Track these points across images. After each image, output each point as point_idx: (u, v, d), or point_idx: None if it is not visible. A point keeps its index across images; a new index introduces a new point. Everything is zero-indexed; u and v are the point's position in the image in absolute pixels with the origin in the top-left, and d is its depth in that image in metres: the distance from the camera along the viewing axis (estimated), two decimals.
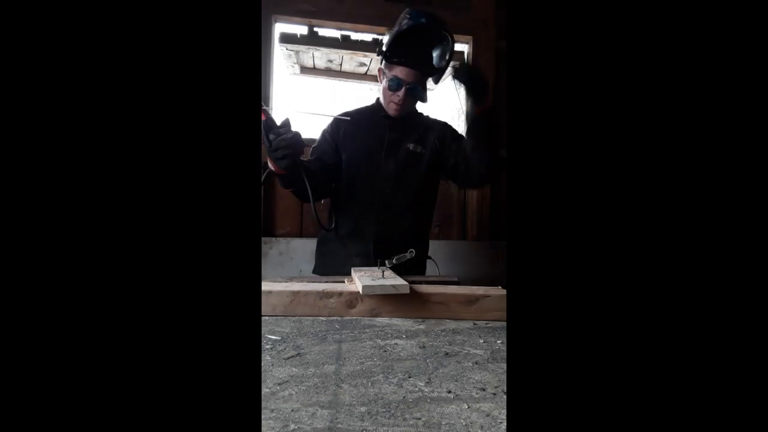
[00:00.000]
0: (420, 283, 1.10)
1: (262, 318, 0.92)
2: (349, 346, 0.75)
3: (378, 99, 1.66)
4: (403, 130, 1.62)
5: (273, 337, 0.80)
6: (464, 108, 2.40)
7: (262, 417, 0.48)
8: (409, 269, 1.33)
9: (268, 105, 2.03)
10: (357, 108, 1.73)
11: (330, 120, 1.67)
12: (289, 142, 1.28)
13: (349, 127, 1.62)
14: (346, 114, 1.65)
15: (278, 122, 1.31)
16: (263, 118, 1.31)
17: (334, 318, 0.94)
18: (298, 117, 1.47)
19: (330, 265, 1.60)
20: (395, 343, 0.77)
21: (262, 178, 1.42)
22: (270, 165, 1.37)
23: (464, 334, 0.85)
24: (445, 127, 1.70)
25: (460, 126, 2.31)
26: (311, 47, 2.69)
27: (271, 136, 1.30)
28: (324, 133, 1.66)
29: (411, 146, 1.60)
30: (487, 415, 0.51)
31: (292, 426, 0.47)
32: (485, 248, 2.65)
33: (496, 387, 0.59)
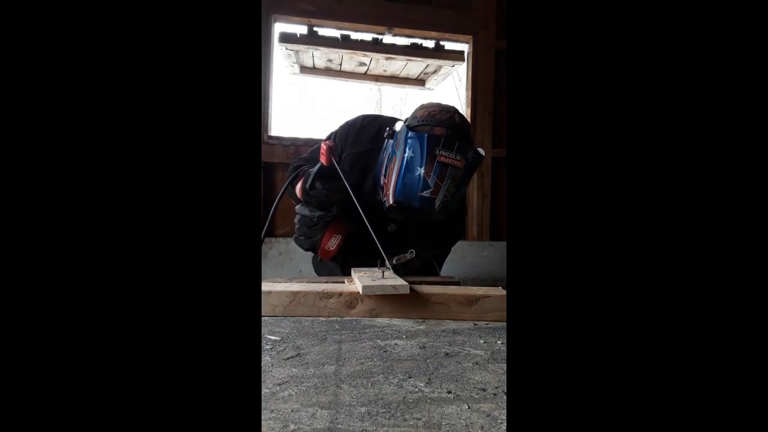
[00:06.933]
0: (420, 283, 1.10)
1: (262, 318, 0.91)
2: (349, 347, 0.75)
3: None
4: None
5: (273, 337, 0.80)
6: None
7: (262, 417, 0.48)
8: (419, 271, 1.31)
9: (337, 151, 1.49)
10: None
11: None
12: (327, 201, 1.26)
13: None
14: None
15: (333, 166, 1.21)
16: (324, 162, 1.23)
17: (334, 318, 0.94)
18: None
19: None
20: (395, 344, 0.77)
21: (282, 192, 1.37)
22: (296, 188, 1.34)
23: (464, 334, 0.85)
24: None
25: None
26: (311, 47, 2.69)
27: (318, 184, 1.25)
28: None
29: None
30: (488, 416, 0.51)
31: (292, 426, 0.47)
32: (485, 248, 2.65)
33: (496, 387, 0.59)
